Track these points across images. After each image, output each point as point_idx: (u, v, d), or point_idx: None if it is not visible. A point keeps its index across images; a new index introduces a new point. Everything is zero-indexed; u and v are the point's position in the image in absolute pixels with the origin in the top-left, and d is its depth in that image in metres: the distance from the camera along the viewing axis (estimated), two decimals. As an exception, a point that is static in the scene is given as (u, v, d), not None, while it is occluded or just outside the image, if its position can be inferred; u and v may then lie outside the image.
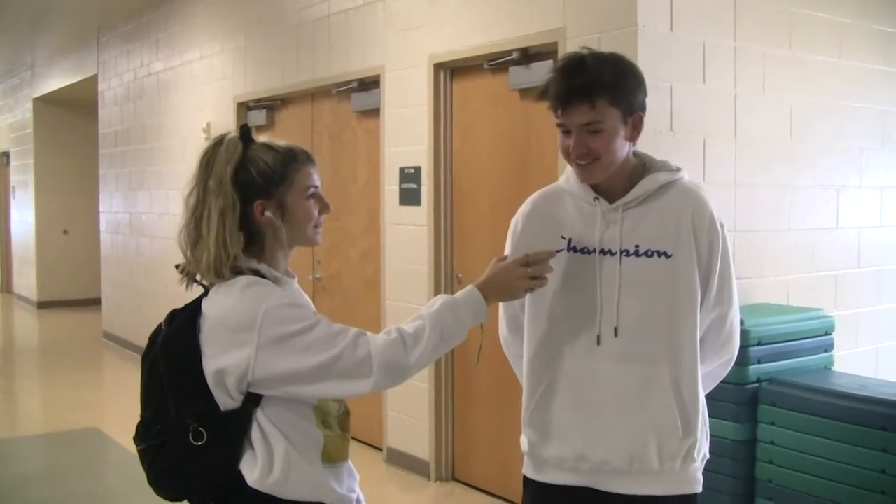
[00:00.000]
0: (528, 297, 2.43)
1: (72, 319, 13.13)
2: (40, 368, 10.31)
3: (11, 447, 6.76)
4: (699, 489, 2.44)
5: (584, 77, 2.25)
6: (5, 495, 5.64)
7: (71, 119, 14.00)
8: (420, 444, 5.72)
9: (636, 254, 2.34)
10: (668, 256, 2.33)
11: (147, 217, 9.90)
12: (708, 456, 2.47)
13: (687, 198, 2.38)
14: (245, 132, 2.14)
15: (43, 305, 14.13)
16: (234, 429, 2.05)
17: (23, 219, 14.98)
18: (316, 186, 2.18)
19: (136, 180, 10.23)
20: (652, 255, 2.33)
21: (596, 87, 2.24)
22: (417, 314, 2.11)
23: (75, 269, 13.94)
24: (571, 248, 2.39)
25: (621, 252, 2.34)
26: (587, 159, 2.29)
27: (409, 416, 5.80)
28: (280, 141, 2.18)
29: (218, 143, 2.12)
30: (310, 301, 2.26)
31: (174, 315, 2.16)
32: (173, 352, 2.10)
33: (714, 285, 2.39)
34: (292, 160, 2.13)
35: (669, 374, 2.33)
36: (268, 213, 2.10)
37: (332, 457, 2.14)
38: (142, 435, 2.14)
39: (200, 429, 2.04)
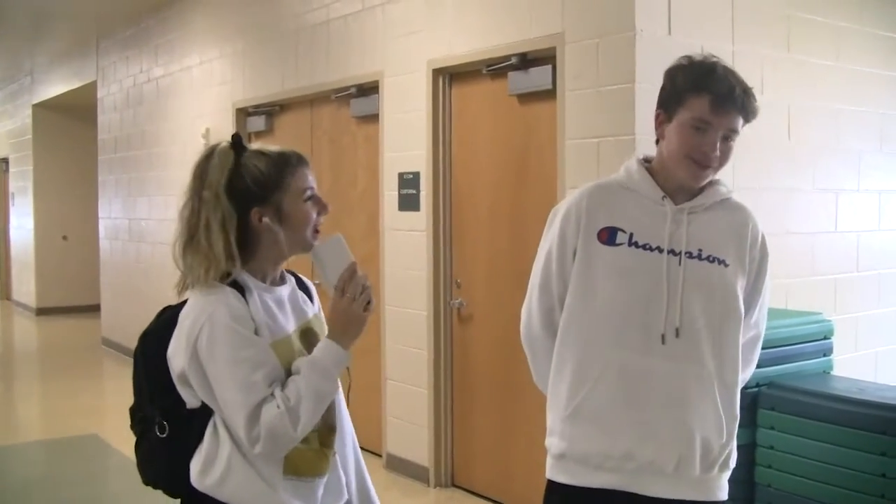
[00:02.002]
0: (573, 289, 2.42)
1: (71, 326, 13.12)
2: (39, 375, 10.31)
3: (11, 454, 6.75)
4: (726, 497, 2.47)
5: (747, 87, 2.36)
6: (5, 502, 5.64)
7: (70, 125, 14.01)
8: (419, 449, 5.72)
9: (699, 257, 2.37)
10: (725, 265, 2.38)
11: (146, 223, 9.90)
12: (735, 465, 2.50)
13: (744, 215, 2.48)
14: (236, 141, 2.14)
15: (42, 312, 14.11)
16: (194, 426, 2.12)
17: (22, 225, 14.97)
18: (312, 188, 2.18)
19: (135, 186, 10.23)
20: (713, 261, 2.38)
21: (752, 103, 2.36)
22: (291, 379, 2.06)
23: (74, 275, 13.92)
24: (633, 243, 2.38)
25: (685, 253, 2.36)
26: (711, 163, 2.35)
27: (408, 421, 5.80)
28: (272, 146, 2.18)
29: (210, 154, 2.13)
30: (281, 317, 2.17)
31: (165, 311, 2.24)
32: (150, 346, 2.18)
33: (757, 304, 2.49)
34: (286, 164, 2.13)
35: (717, 377, 2.37)
36: (266, 220, 2.11)
37: (301, 470, 2.12)
38: (131, 421, 2.26)
39: (165, 422, 2.14)
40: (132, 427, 2.25)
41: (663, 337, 2.33)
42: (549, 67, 4.75)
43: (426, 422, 5.64)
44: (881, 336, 5.40)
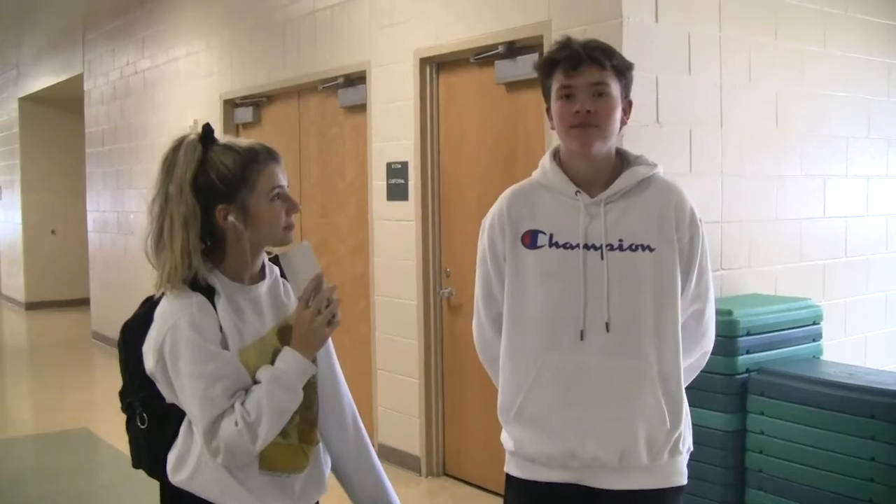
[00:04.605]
0: (506, 295, 2.45)
1: (60, 320, 13.08)
2: (29, 369, 10.28)
3: (1, 449, 6.74)
4: (685, 481, 2.45)
5: (594, 43, 2.37)
6: (-4, 497, 5.64)
7: (57, 118, 13.94)
8: (411, 439, 5.72)
9: (620, 248, 2.35)
10: (651, 250, 2.35)
11: (135, 216, 9.86)
12: (692, 448, 2.48)
13: (668, 193, 2.42)
14: (206, 133, 2.07)
15: (31, 306, 14.07)
16: (170, 421, 2.12)
17: (10, 219, 14.92)
18: (280, 186, 2.09)
19: (123, 179, 10.20)
20: (636, 249, 2.35)
21: (607, 52, 2.35)
22: (252, 389, 2.02)
23: (63, 269, 13.87)
24: (553, 244, 2.39)
25: (605, 246, 2.35)
26: (590, 121, 2.32)
27: (399, 411, 5.80)
28: (242, 141, 2.11)
29: (177, 146, 2.06)
30: (254, 318, 2.12)
31: (146, 301, 2.21)
32: (130, 337, 2.18)
33: (693, 279, 2.43)
34: (253, 161, 2.05)
35: (656, 366, 2.34)
36: (230, 218, 2.04)
37: (277, 465, 2.11)
38: (121, 404, 2.26)
39: (144, 414, 2.16)
40: (122, 409, 2.25)
41: (582, 333, 2.33)
42: (536, 55, 4.74)
43: (417, 411, 5.65)
44: (870, 321, 5.42)
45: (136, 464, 2.27)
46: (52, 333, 12.25)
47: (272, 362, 2.06)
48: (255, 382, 2.04)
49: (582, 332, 2.34)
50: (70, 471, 6.11)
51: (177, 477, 2.10)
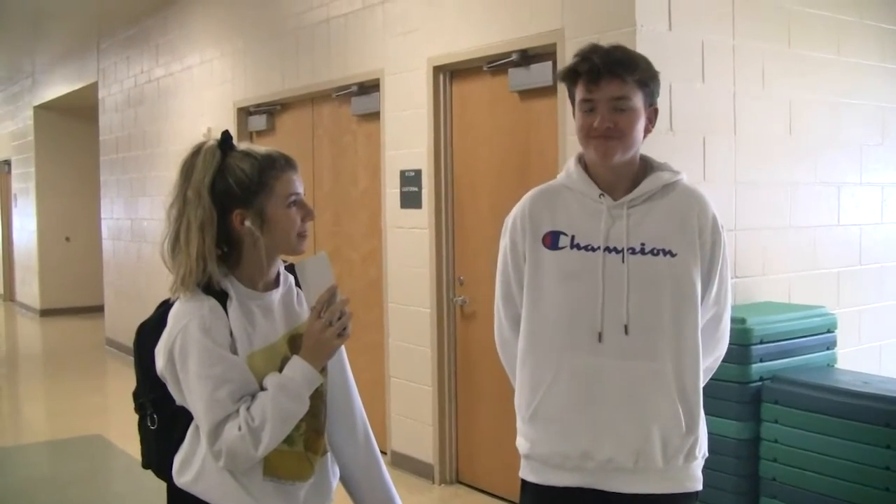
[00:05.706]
0: (526, 295, 2.46)
1: (74, 327, 13.13)
2: (43, 376, 10.32)
3: (15, 455, 6.76)
4: (700, 487, 2.46)
5: (618, 54, 2.35)
6: (10, 503, 5.64)
7: (72, 126, 14.01)
8: (424, 447, 5.72)
9: (642, 252, 2.36)
10: (672, 255, 2.36)
11: (149, 223, 9.90)
12: (707, 454, 2.48)
13: (691, 199, 2.43)
14: (224, 139, 2.10)
15: (46, 313, 14.12)
16: (179, 423, 2.14)
17: (24, 227, 14.99)
18: (297, 193, 2.13)
19: (137, 186, 10.24)
20: (658, 254, 2.36)
21: (629, 65, 2.34)
22: (259, 396, 2.04)
23: (77, 276, 13.94)
24: (575, 246, 2.40)
25: (627, 250, 2.36)
26: (611, 134, 2.33)
27: (412, 419, 5.80)
28: (260, 147, 2.14)
29: (196, 151, 2.09)
30: (265, 325, 2.14)
31: (163, 304, 2.24)
32: (144, 339, 2.20)
33: (714, 286, 2.44)
34: (270, 167, 2.09)
35: (673, 370, 2.35)
36: (247, 223, 2.07)
37: (281, 473, 2.12)
38: (134, 404, 2.29)
39: (154, 415, 2.19)
40: (135, 409, 2.28)
41: (600, 335, 2.34)
42: (549, 63, 4.75)
43: (430, 419, 5.65)
44: (885, 329, 5.39)
45: (146, 464, 2.29)
46: (66, 340, 12.30)
47: (280, 370, 2.08)
48: (263, 389, 2.06)
49: (600, 335, 2.35)
50: (83, 477, 6.13)
51: (181, 479, 2.13)
